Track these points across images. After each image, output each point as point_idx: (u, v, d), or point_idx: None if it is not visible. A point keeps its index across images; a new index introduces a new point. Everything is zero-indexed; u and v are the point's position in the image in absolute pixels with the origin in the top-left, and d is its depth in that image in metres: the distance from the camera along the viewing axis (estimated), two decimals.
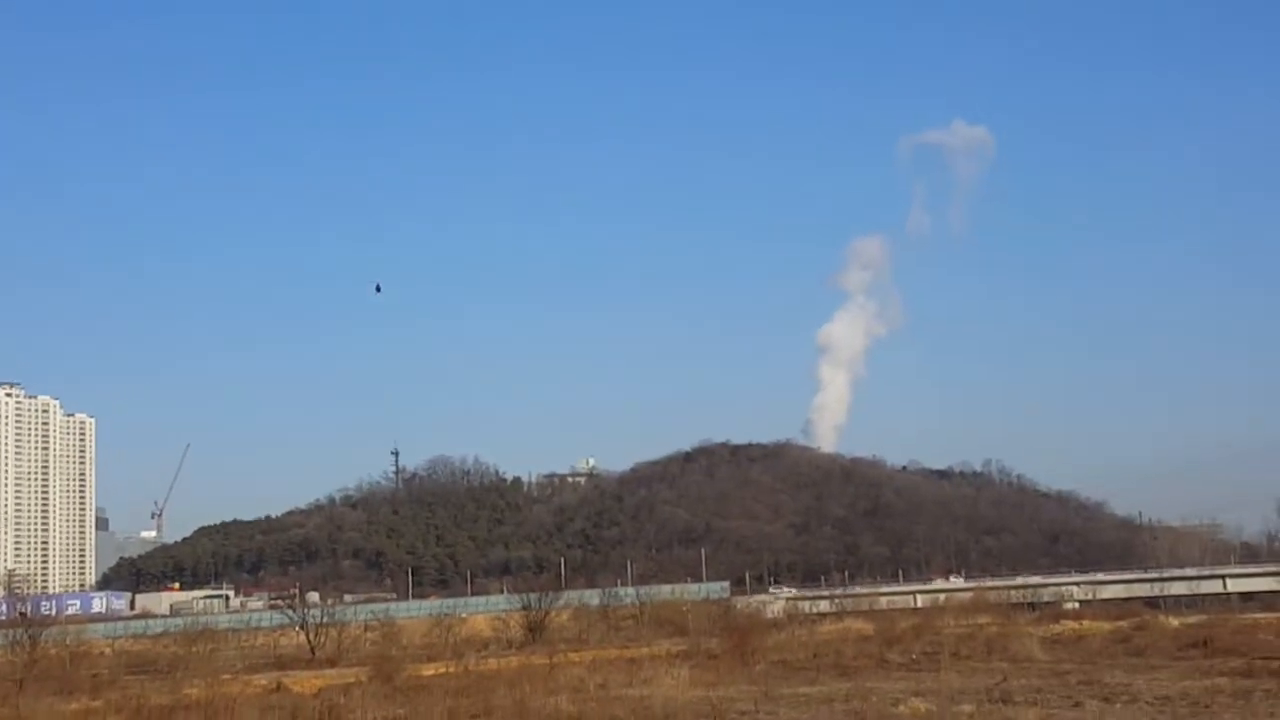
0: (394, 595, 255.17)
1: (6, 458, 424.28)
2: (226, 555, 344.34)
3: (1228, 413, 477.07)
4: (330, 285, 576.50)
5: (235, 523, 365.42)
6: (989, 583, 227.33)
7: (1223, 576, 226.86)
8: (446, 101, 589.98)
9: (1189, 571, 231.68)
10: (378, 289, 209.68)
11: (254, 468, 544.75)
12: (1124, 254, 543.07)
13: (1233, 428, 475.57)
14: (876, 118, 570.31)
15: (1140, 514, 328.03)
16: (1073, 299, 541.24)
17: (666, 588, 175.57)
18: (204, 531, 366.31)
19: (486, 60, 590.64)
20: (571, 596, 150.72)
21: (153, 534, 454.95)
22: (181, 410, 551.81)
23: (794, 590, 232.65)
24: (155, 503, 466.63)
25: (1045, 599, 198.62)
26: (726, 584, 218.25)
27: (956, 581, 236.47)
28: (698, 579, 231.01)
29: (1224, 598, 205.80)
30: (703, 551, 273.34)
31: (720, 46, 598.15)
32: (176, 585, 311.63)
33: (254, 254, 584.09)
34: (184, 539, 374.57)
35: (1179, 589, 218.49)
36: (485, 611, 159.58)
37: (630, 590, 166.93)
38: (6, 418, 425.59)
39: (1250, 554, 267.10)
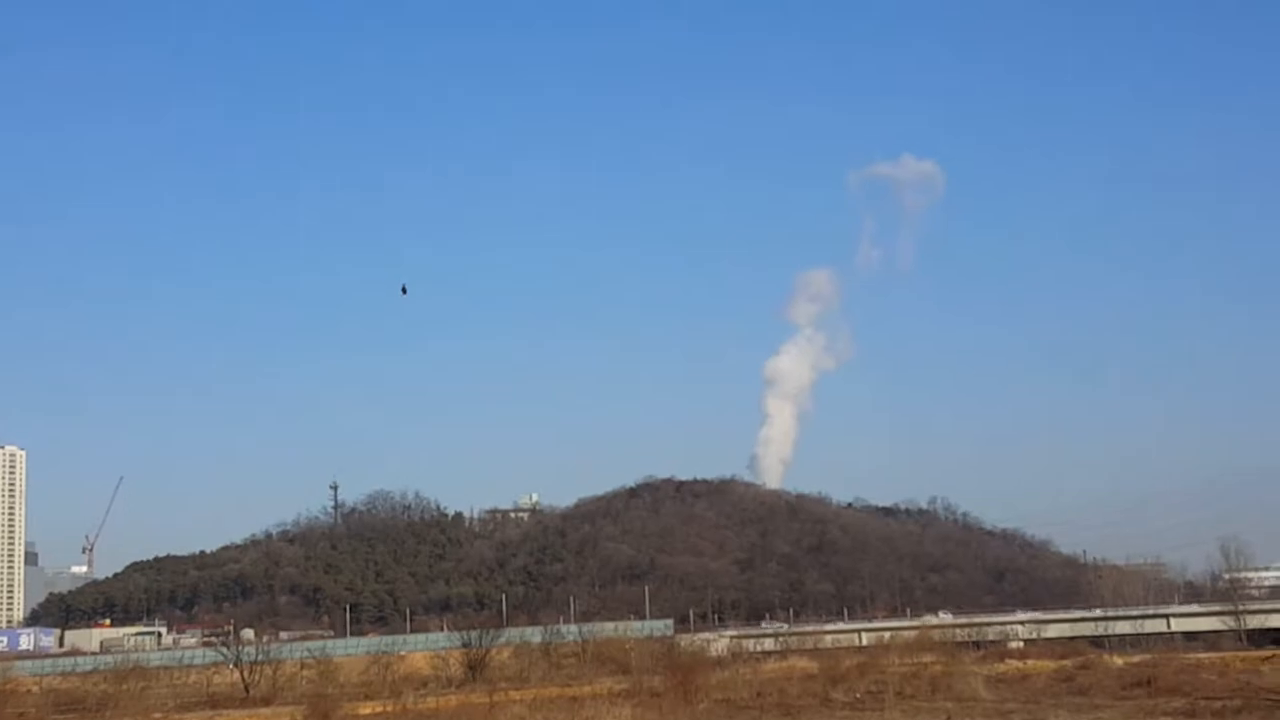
0: (331, 633, 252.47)
1: None
2: (159, 591, 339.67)
3: (1172, 452, 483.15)
4: (268, 317, 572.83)
5: (169, 558, 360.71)
6: (933, 621, 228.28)
7: (1166, 616, 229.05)
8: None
9: (1133, 611, 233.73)
10: (404, 290, 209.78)
11: (189, 502, 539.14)
12: (1071, 292, 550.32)
13: (1177, 467, 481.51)
14: (826, 150, 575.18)
15: (1085, 552, 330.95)
16: (1020, 335, 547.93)
17: (610, 625, 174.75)
18: (136, 567, 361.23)
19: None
20: (513, 634, 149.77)
21: (83, 569, 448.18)
22: (115, 443, 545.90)
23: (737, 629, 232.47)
24: (86, 537, 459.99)
25: (990, 637, 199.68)
26: (670, 621, 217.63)
27: (946, 617, 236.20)
28: (641, 616, 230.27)
29: (1168, 637, 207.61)
30: (646, 588, 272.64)
31: (665, 82, 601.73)
32: (107, 622, 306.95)
33: (189, 286, 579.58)
34: (115, 574, 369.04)
35: (1123, 628, 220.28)
36: (425, 649, 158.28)
37: (573, 628, 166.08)
38: None
39: (1194, 593, 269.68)
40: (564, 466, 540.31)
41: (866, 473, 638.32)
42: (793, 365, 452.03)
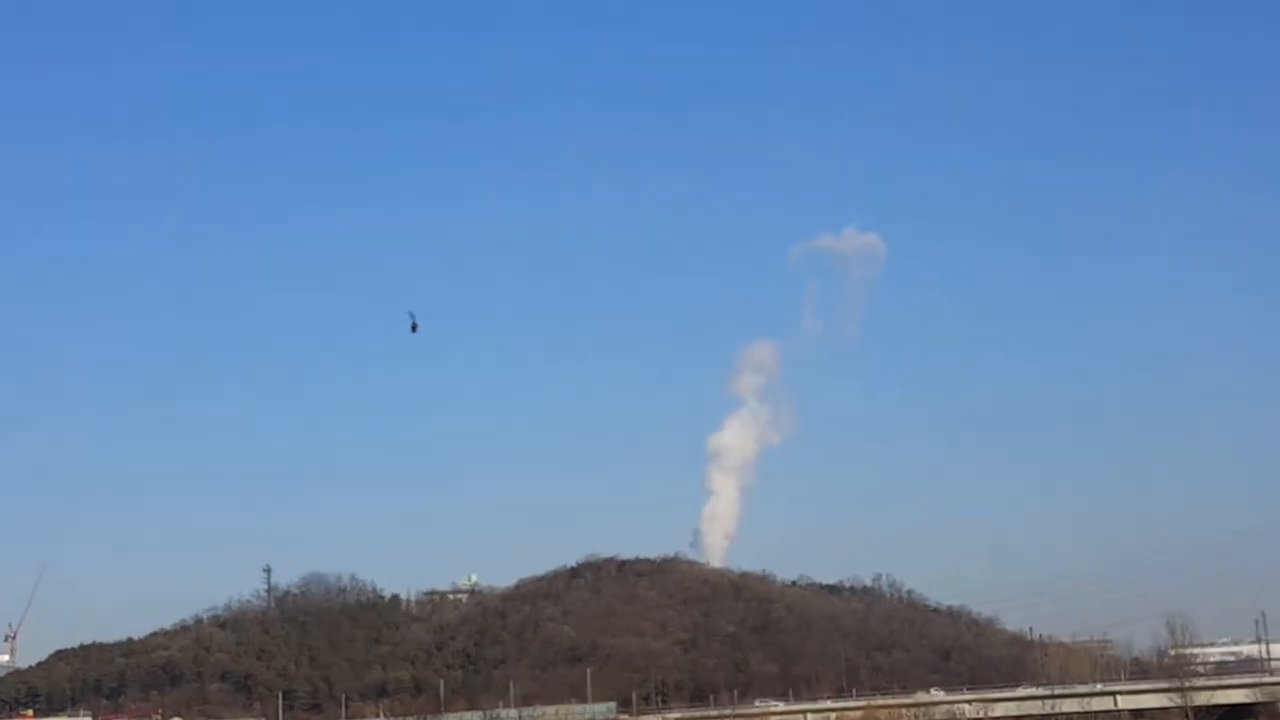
0: None
1: None
2: (85, 680, 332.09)
3: (1116, 528, 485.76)
4: (195, 392, 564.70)
5: (95, 645, 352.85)
6: (880, 700, 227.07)
7: (1114, 694, 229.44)
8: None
9: (1080, 688, 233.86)
10: (414, 328, 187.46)
11: (115, 587, 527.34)
12: (1009, 365, 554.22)
13: (1121, 543, 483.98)
14: (769, 224, 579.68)
15: (1031, 629, 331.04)
16: (963, 409, 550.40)
17: (550, 709, 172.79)
18: (61, 655, 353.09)
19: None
20: (451, 719, 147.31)
21: (5, 658, 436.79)
22: (37, 527, 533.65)
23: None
24: (9, 625, 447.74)
25: (937, 717, 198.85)
26: (613, 704, 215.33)
27: (938, 695, 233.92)
28: (583, 699, 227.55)
29: (1115, 714, 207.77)
30: (588, 671, 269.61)
31: (612, 149, 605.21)
32: (30, 713, 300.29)
33: (114, 357, 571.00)
34: (39, 663, 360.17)
35: (1070, 706, 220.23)
36: None
37: (513, 712, 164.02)
38: None
39: (1140, 670, 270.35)
40: (504, 546, 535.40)
41: (811, 548, 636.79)
42: (736, 439, 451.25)
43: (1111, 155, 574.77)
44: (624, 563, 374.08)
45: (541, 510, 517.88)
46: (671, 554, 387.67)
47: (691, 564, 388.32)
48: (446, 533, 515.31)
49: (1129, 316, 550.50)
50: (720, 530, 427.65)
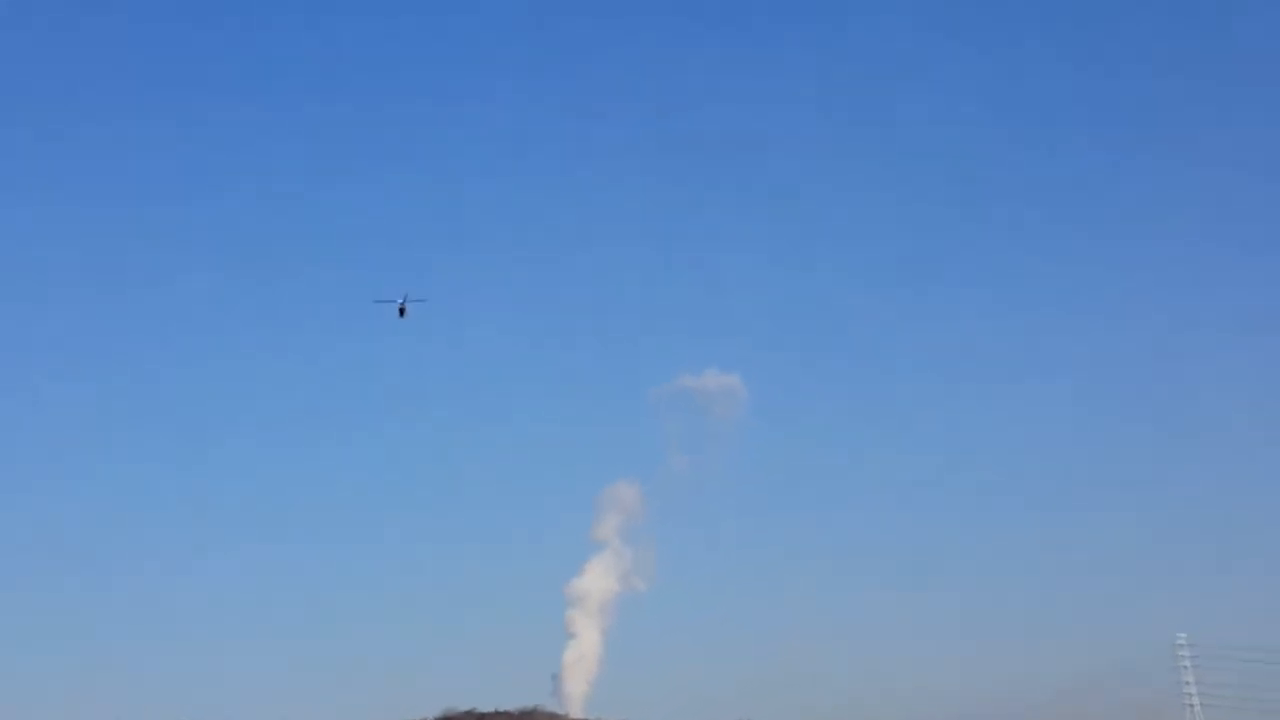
0: None
1: None
2: None
3: (1001, 669, 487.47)
4: None
5: None
6: None
7: None
8: None
9: None
10: (402, 312, 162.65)
11: None
12: (877, 504, 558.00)
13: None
14: (631, 367, 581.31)
15: None
16: (834, 547, 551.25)
17: None
18: None
19: None
20: None
21: None
22: None
23: None
24: None
25: None
26: None
27: None
28: None
29: None
30: None
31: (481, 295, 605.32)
32: None
33: None
34: None
35: None
36: None
37: None
38: None
39: None
40: (354, 697, 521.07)
41: (678, 694, 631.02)
42: (598, 583, 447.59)
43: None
44: (483, 715, 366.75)
45: (397, 662, 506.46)
46: (531, 705, 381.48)
47: (552, 715, 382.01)
48: (295, 677, 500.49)
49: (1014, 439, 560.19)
50: (582, 677, 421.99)
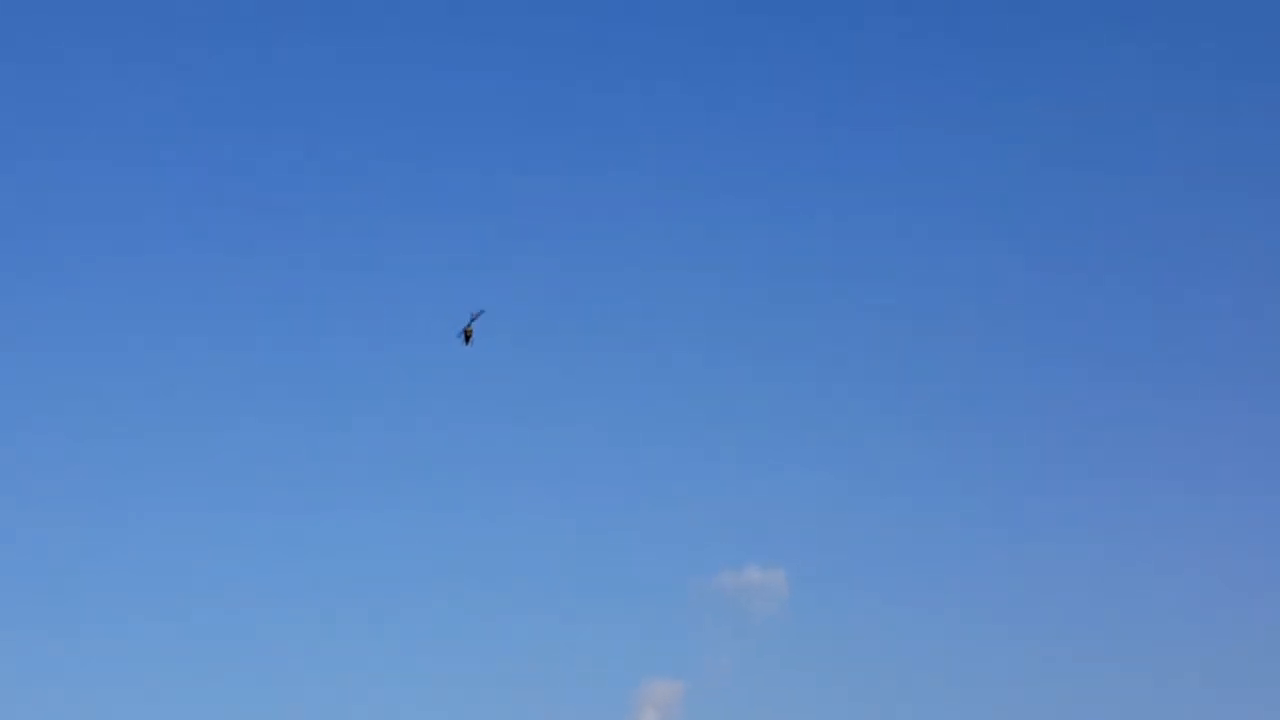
0: None
1: None
2: None
3: None
4: None
5: None
6: None
7: None
8: None
9: None
10: (468, 337, 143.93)
11: None
12: (927, 698, 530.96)
13: None
14: (668, 561, 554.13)
15: None
16: None
17: None
18: None
19: None
20: None
21: None
22: None
23: None
24: None
25: None
26: None
27: None
28: None
29: None
30: None
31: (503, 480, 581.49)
32: None
33: None
34: None
35: None
36: None
37: None
38: None
39: None
40: None
41: None
42: None
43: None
44: None
45: None
46: None
47: None
48: None
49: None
50: None
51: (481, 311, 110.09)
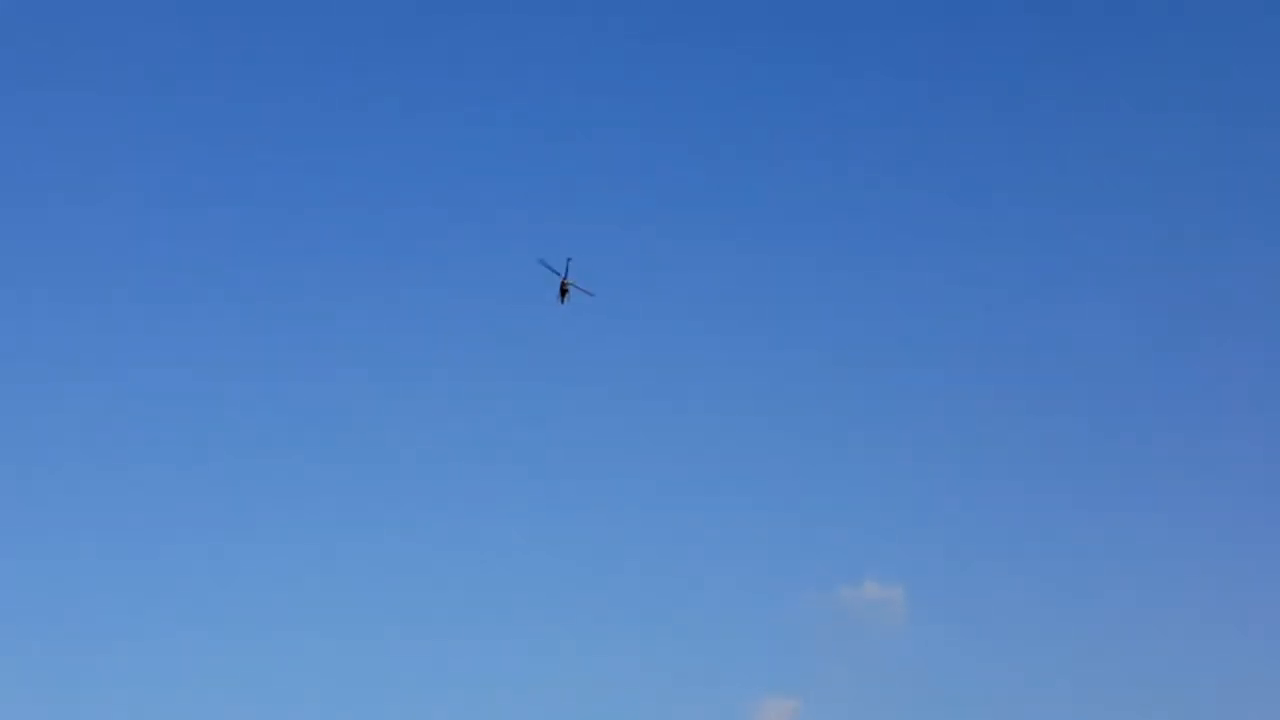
0: None
1: None
2: None
3: None
4: None
5: None
6: None
7: None
8: None
9: None
10: (564, 293, 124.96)
11: None
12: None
13: None
14: (786, 575, 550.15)
15: None
16: None
17: None
18: None
19: None
20: None
21: None
22: None
23: None
24: None
25: None
26: None
27: None
28: None
29: None
30: None
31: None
32: None
33: None
34: None
35: None
36: None
37: None
38: None
39: None
40: None
41: None
42: None
43: None
44: None
45: None
46: None
47: None
48: None
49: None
50: None
51: (570, 260, 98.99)
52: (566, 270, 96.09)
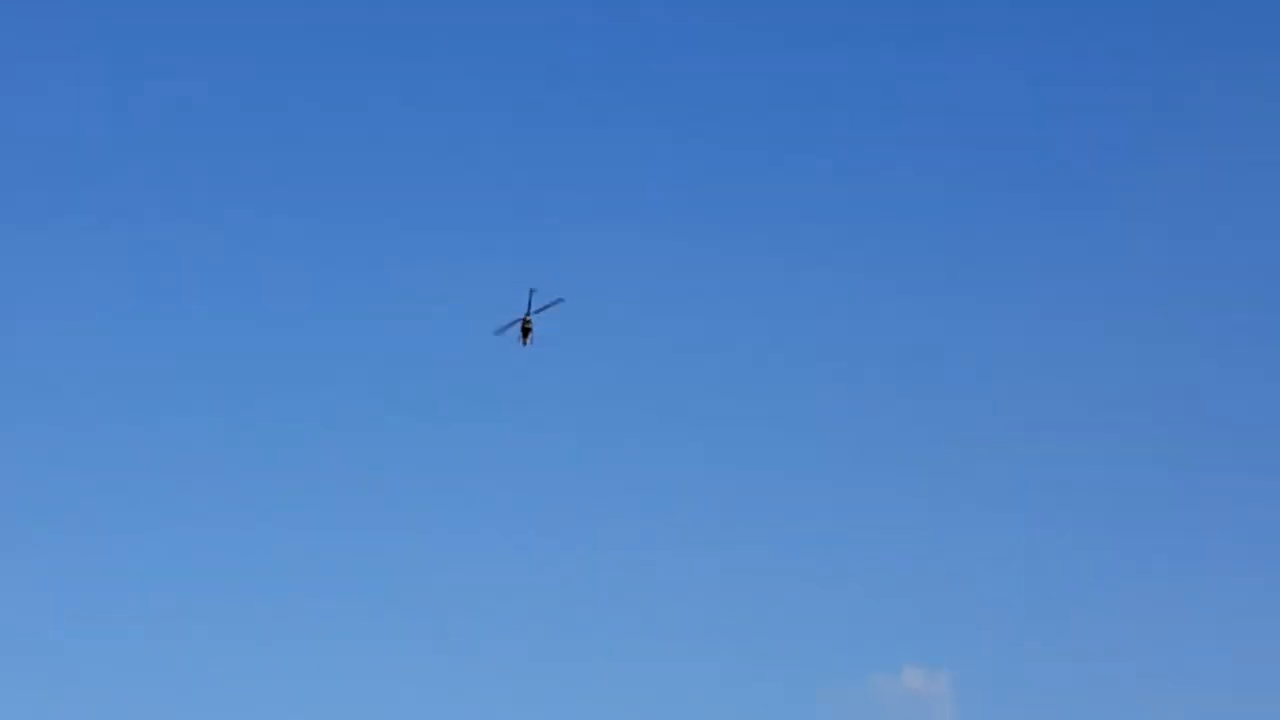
0: None
1: None
2: None
3: None
4: None
5: None
6: None
7: None
8: None
9: None
10: (525, 332, 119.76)
11: None
12: None
13: None
14: (812, 658, 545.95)
15: None
16: None
17: None
18: None
19: None
20: None
21: None
22: None
23: None
24: None
25: None
26: None
27: None
28: None
29: None
30: None
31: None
32: None
33: None
34: None
35: None
36: None
37: None
38: None
39: None
40: None
41: None
42: None
43: None
44: None
45: None
46: None
47: None
48: None
49: None
50: None
51: (532, 291, 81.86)
52: (529, 306, 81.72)
